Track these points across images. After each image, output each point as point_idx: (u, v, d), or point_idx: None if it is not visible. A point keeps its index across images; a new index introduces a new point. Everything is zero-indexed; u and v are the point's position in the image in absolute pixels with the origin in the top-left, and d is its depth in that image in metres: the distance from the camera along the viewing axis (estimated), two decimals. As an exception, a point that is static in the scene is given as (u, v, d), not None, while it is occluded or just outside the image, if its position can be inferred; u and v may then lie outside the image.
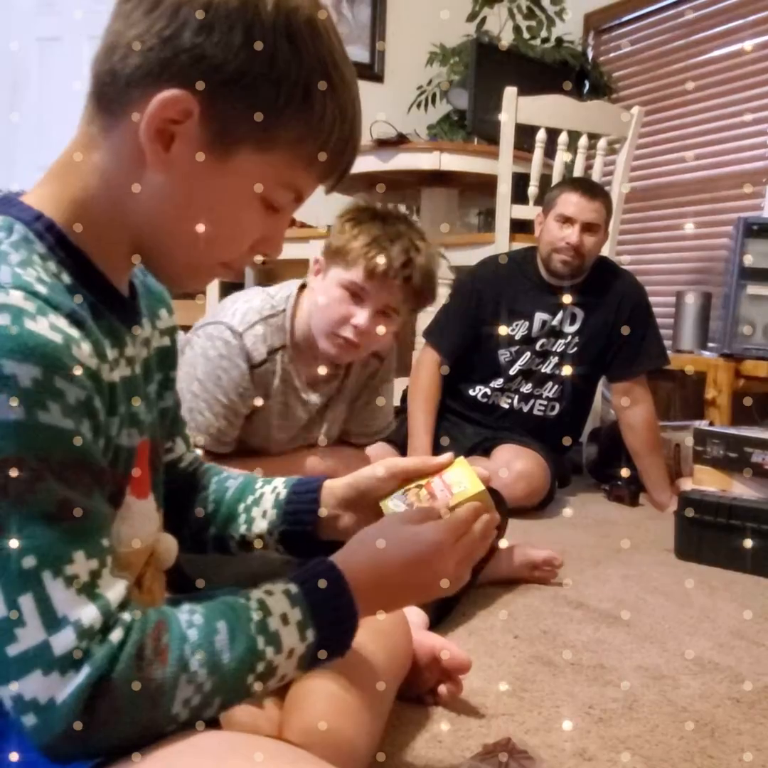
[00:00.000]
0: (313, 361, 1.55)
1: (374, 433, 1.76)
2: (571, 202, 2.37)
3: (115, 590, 0.60)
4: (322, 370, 1.56)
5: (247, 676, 0.63)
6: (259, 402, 1.51)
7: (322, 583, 0.68)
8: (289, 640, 0.65)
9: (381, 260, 1.42)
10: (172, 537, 0.79)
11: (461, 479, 0.83)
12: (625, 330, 2.46)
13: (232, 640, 0.62)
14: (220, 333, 1.48)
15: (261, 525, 0.88)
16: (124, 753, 0.58)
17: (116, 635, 0.58)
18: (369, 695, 0.87)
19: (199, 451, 0.95)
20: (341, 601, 0.68)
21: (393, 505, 0.83)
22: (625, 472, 2.52)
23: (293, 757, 0.63)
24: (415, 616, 1.27)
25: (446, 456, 0.86)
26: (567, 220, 2.37)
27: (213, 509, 0.90)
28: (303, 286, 1.58)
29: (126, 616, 0.59)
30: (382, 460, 0.89)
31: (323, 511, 0.87)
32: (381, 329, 1.47)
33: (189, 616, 0.62)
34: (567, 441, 2.63)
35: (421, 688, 1.12)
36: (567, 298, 2.44)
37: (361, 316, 1.46)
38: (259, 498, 0.90)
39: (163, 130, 0.62)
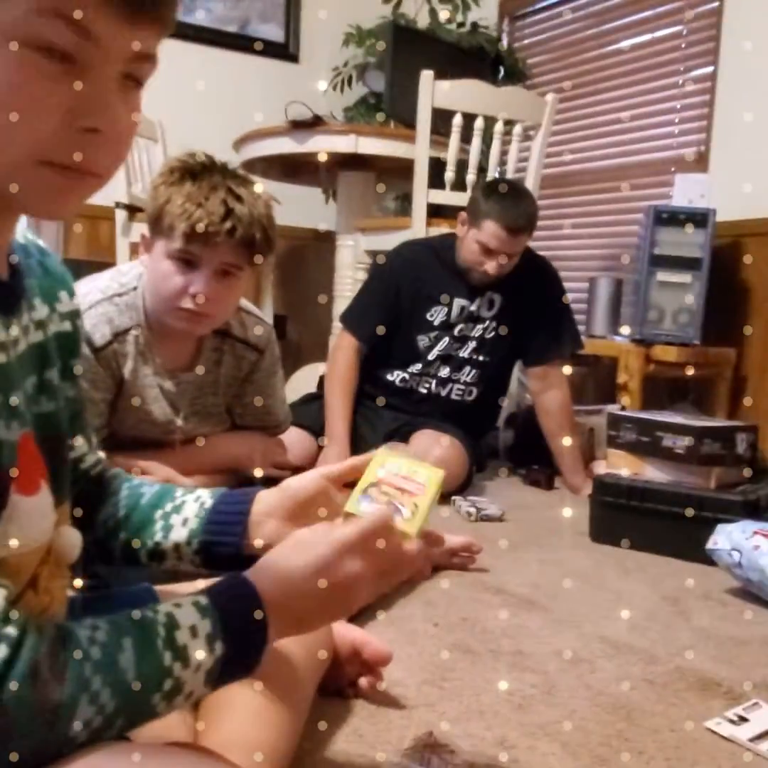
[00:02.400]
0: (170, 341, 1.46)
1: (274, 427, 1.69)
2: (495, 237, 2.30)
3: None
4: (181, 350, 1.46)
5: (154, 695, 0.59)
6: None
7: (233, 595, 0.65)
8: (197, 654, 0.61)
9: (198, 218, 1.31)
10: (75, 531, 0.74)
11: (410, 467, 0.81)
12: (542, 315, 2.48)
13: (138, 658, 0.58)
14: None
15: (180, 533, 0.83)
16: None
17: (2, 652, 0.53)
18: (288, 694, 0.86)
19: (102, 454, 0.89)
20: (251, 612, 0.64)
21: (365, 507, 0.78)
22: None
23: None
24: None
25: (371, 453, 0.83)
26: (489, 252, 2.33)
27: (124, 514, 0.85)
28: None
29: (10, 630, 0.54)
30: (312, 470, 0.85)
31: (254, 523, 0.82)
32: (235, 285, 1.39)
33: (91, 633, 0.58)
34: (484, 426, 2.66)
35: (341, 682, 1.10)
36: (485, 284, 2.45)
37: (197, 283, 1.36)
38: (180, 506, 0.85)
39: None
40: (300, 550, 0.68)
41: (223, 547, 0.83)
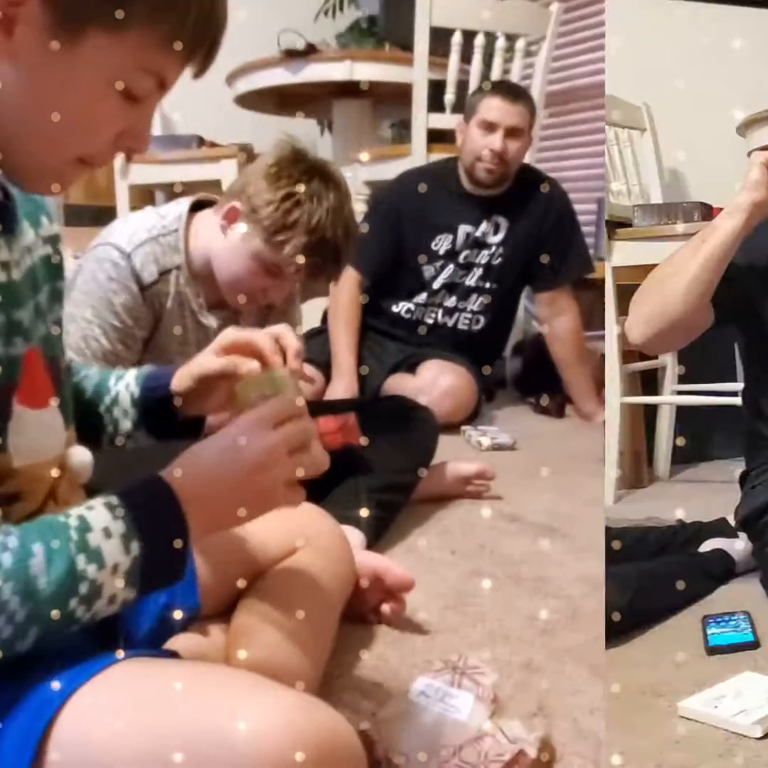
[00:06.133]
0: (212, 283, 1.46)
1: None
2: (493, 107, 2.28)
3: None
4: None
5: (69, 600, 0.59)
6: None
7: (145, 494, 0.65)
8: (112, 555, 0.61)
9: (314, 251, 1.33)
10: (85, 450, 0.75)
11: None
12: (549, 239, 2.42)
13: (49, 562, 0.58)
14: (108, 255, 1.39)
15: (126, 425, 0.89)
16: None
17: None
18: (314, 620, 0.86)
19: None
20: (167, 509, 0.64)
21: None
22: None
23: (248, 683, 0.61)
24: (353, 536, 1.24)
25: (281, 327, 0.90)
26: (490, 126, 2.29)
27: (82, 384, 0.90)
28: (196, 206, 1.47)
29: None
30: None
31: (177, 400, 0.88)
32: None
33: (3, 538, 0.58)
34: (492, 355, 2.61)
35: (363, 608, 1.10)
36: (490, 208, 2.39)
37: (274, 293, 1.42)
38: (116, 397, 0.89)
39: (2, 13, 0.59)
40: (211, 440, 0.69)
41: (158, 393, 0.88)
